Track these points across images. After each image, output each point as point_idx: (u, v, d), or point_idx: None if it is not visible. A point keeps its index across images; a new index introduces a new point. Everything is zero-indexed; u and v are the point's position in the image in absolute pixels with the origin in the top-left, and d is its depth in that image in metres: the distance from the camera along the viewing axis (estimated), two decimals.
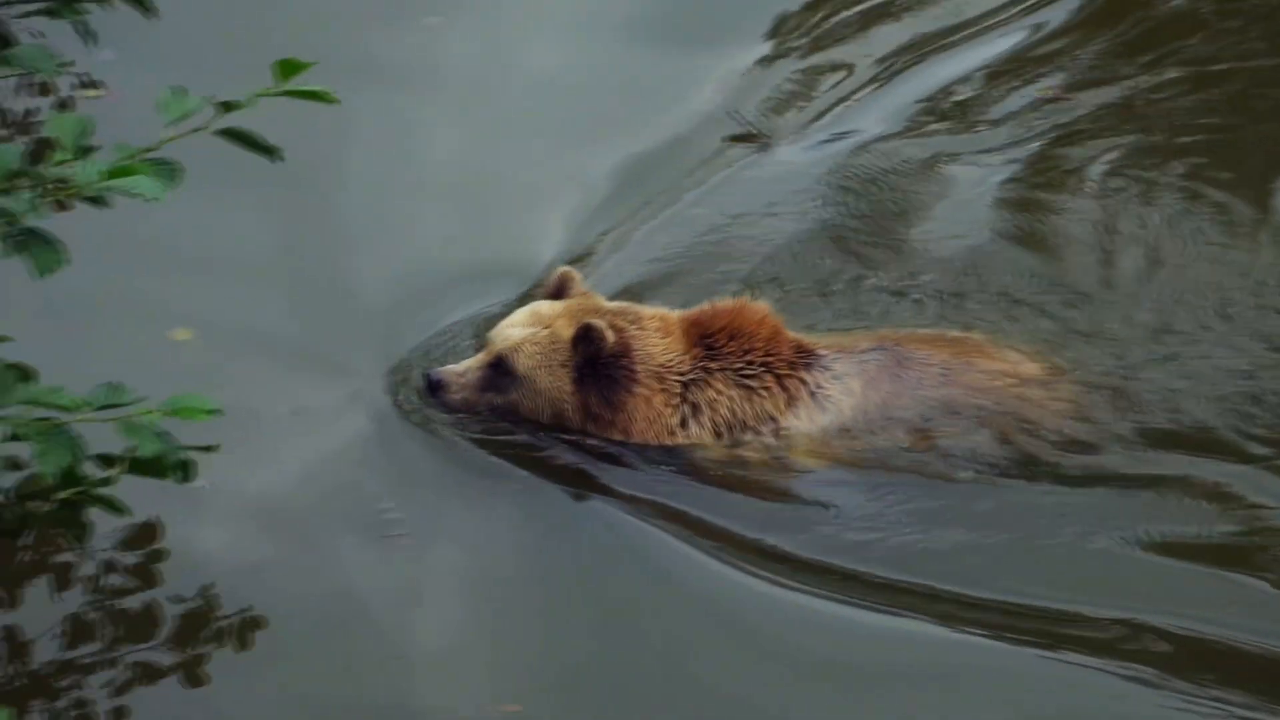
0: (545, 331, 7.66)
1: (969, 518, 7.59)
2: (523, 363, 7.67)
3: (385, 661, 7.00)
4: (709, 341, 7.72)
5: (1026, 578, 7.35)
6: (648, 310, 7.82)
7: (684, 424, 7.69)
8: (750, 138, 10.04)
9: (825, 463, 7.73)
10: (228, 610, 6.98)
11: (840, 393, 7.68)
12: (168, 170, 4.95)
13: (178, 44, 8.30)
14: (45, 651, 6.82)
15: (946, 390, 7.73)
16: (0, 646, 6.84)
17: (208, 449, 5.78)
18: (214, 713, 6.66)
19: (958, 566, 7.33)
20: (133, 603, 6.97)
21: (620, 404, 7.69)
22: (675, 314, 7.83)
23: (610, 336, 7.58)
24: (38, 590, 7.02)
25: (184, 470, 5.41)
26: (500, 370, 7.72)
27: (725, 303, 7.80)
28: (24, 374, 5.17)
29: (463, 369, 7.74)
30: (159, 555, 7.15)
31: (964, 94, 10.56)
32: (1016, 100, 10.40)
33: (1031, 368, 7.87)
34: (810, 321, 8.41)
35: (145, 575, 7.09)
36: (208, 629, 6.92)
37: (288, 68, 4.95)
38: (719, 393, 7.68)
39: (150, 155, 4.94)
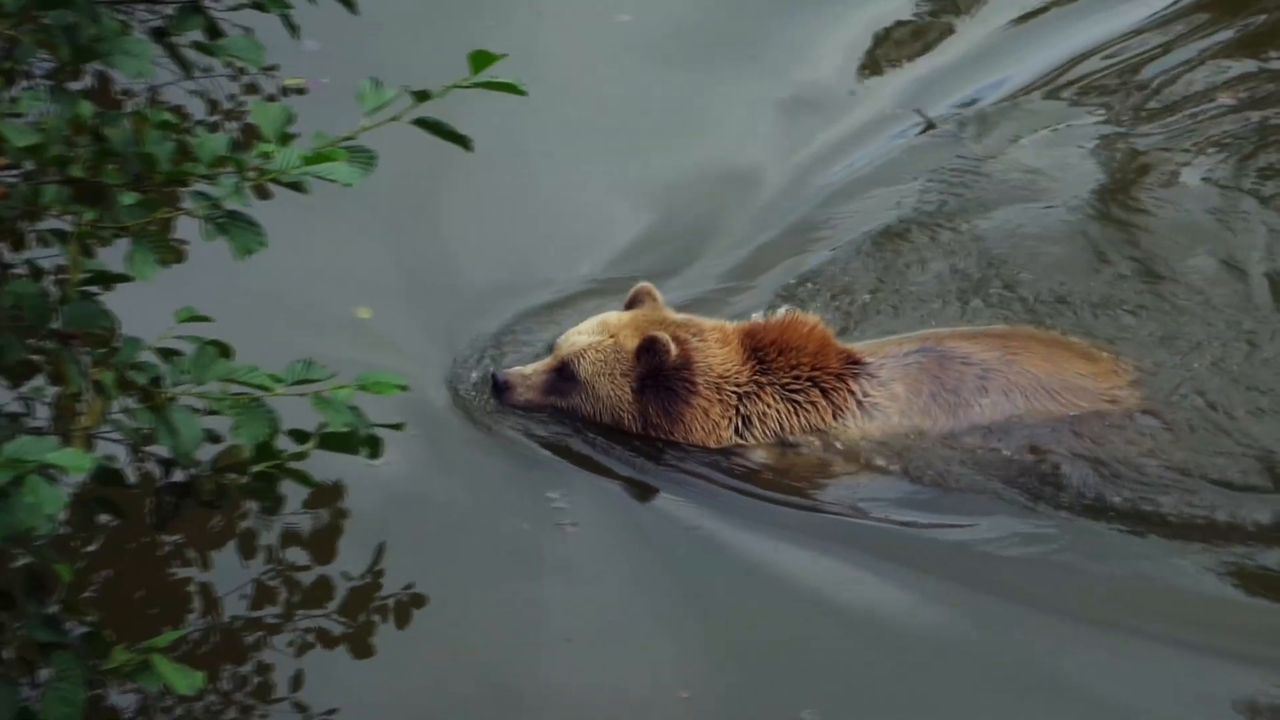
0: (610, 340, 7.84)
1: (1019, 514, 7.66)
2: (586, 369, 7.85)
3: (552, 644, 7.13)
4: (761, 354, 7.86)
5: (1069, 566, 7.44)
6: (709, 322, 7.96)
7: (737, 433, 7.82)
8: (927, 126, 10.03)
9: (877, 466, 7.80)
10: (394, 585, 7.15)
11: (886, 399, 7.78)
12: (364, 157, 5.08)
13: (377, 36, 8.50)
14: (233, 613, 7.05)
15: (987, 388, 7.79)
16: (196, 606, 7.12)
17: (395, 426, 5.94)
18: (381, 683, 6.84)
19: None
20: (308, 572, 7.20)
21: (678, 414, 7.83)
22: (733, 326, 7.95)
23: (673, 349, 7.74)
24: (227, 555, 7.27)
25: (372, 446, 5.50)
26: (564, 375, 7.90)
27: (776, 318, 7.93)
28: (223, 351, 5.30)
29: (529, 371, 7.95)
30: (335, 527, 7.36)
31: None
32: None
33: (1082, 365, 7.86)
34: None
35: (321, 546, 7.29)
36: (375, 601, 7.10)
37: (480, 59, 5.03)
38: (769, 406, 7.82)
39: (347, 143, 5.07)
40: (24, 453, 4.57)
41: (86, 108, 5.07)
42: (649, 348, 7.79)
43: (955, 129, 10.17)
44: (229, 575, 7.20)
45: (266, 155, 5.04)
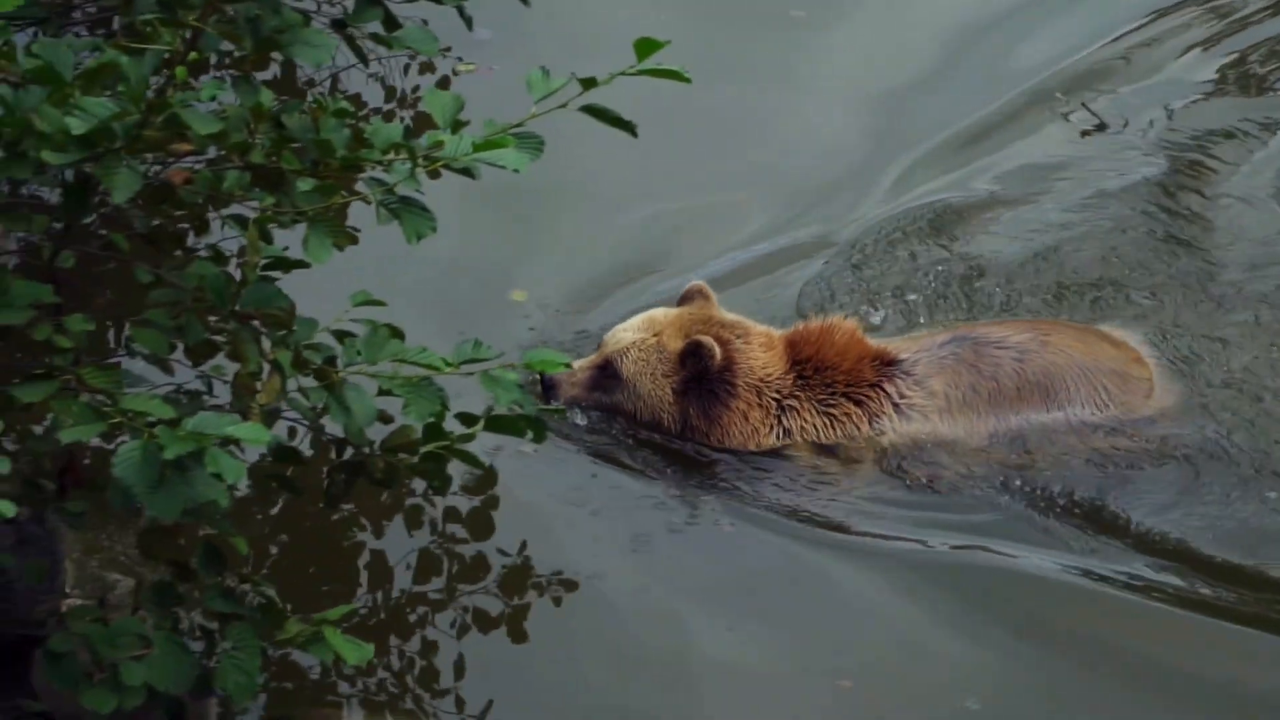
0: (653, 339, 7.81)
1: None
2: (628, 367, 7.81)
3: (709, 630, 7.20)
4: (801, 368, 7.81)
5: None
6: (757, 327, 7.90)
7: (778, 439, 7.79)
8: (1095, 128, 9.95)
9: (924, 465, 7.78)
10: (546, 569, 7.27)
11: (923, 398, 7.73)
12: (533, 143, 5.19)
13: (548, 25, 8.64)
14: (398, 588, 7.22)
15: (1024, 370, 7.74)
16: (364, 581, 7.31)
17: (557, 411, 6.07)
18: (534, 663, 6.95)
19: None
20: (468, 549, 7.33)
21: (717, 417, 7.80)
22: (779, 332, 7.91)
23: (718, 354, 7.70)
24: (396, 531, 7.44)
25: (537, 429, 5.64)
26: (607, 372, 7.86)
27: (814, 324, 7.87)
28: (394, 333, 5.45)
29: (575, 368, 7.84)
30: (495, 508, 7.51)
31: None
32: None
33: (1110, 349, 7.83)
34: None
35: (479, 524, 7.43)
36: (530, 582, 7.23)
37: (645, 46, 5.11)
38: (807, 420, 7.78)
39: (515, 130, 5.18)
40: (205, 427, 4.73)
41: (267, 96, 5.23)
42: (694, 351, 7.75)
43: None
44: (397, 551, 7.36)
45: (438, 142, 5.16)
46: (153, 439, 4.77)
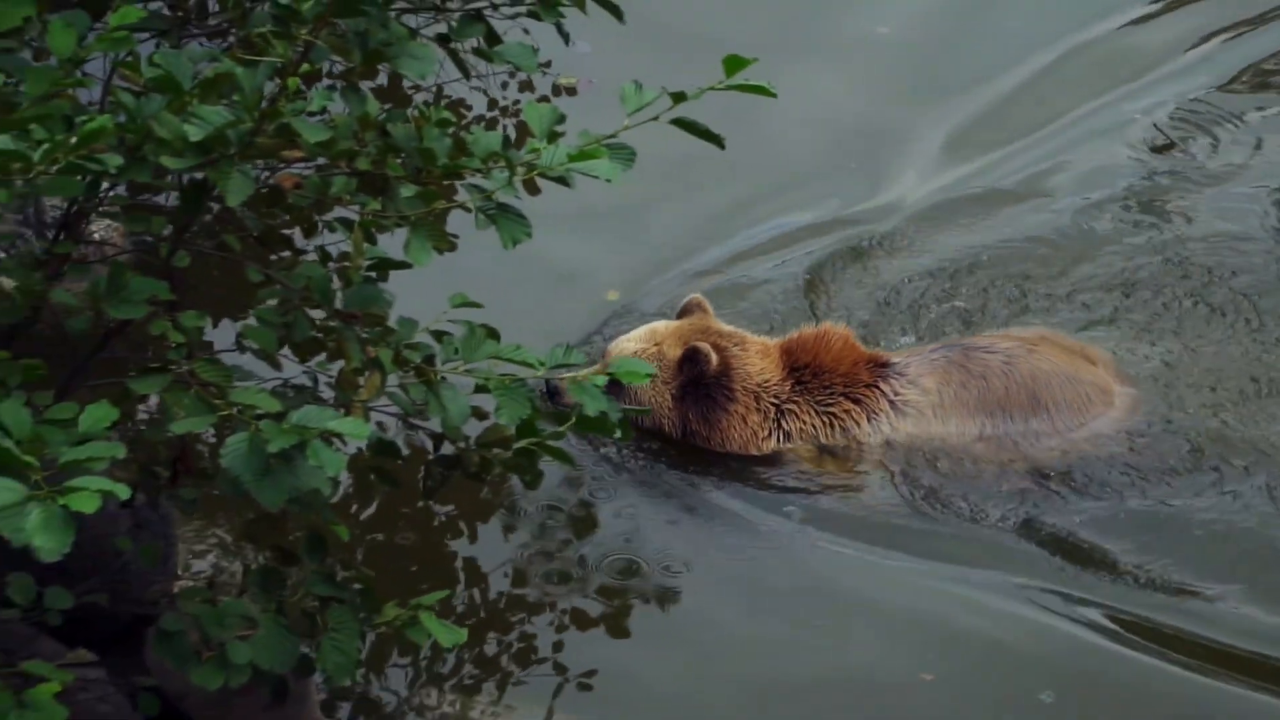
0: (654, 349, 7.97)
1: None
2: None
3: (797, 631, 7.36)
4: (799, 374, 7.97)
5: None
6: (752, 336, 8.08)
7: (778, 442, 7.95)
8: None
9: (920, 458, 7.91)
10: (650, 572, 7.43)
11: (917, 395, 7.89)
12: (625, 154, 5.32)
13: (646, 36, 8.76)
14: (493, 577, 7.39)
15: (1012, 373, 7.92)
16: (459, 569, 7.45)
17: (643, 412, 6.22)
18: (632, 668, 7.10)
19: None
20: (569, 550, 7.49)
21: (716, 421, 7.94)
22: (774, 341, 8.09)
23: (714, 359, 7.86)
24: (492, 525, 7.61)
25: (625, 429, 5.76)
26: (610, 381, 7.93)
27: (809, 330, 8.07)
28: (491, 333, 5.58)
29: (580, 377, 7.94)
30: (587, 509, 7.69)
31: None
32: None
33: (1086, 364, 7.98)
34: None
35: (579, 524, 7.60)
36: (630, 586, 7.37)
37: (734, 63, 5.21)
38: (805, 422, 7.95)
39: (608, 141, 5.30)
40: (308, 420, 4.85)
41: (374, 105, 5.36)
42: (691, 357, 7.95)
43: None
44: (489, 543, 7.53)
45: (535, 152, 5.28)
46: (258, 432, 4.87)
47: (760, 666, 7.22)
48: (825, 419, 8.05)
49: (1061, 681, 7.07)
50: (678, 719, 7.07)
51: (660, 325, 8.25)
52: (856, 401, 8.02)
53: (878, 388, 8.04)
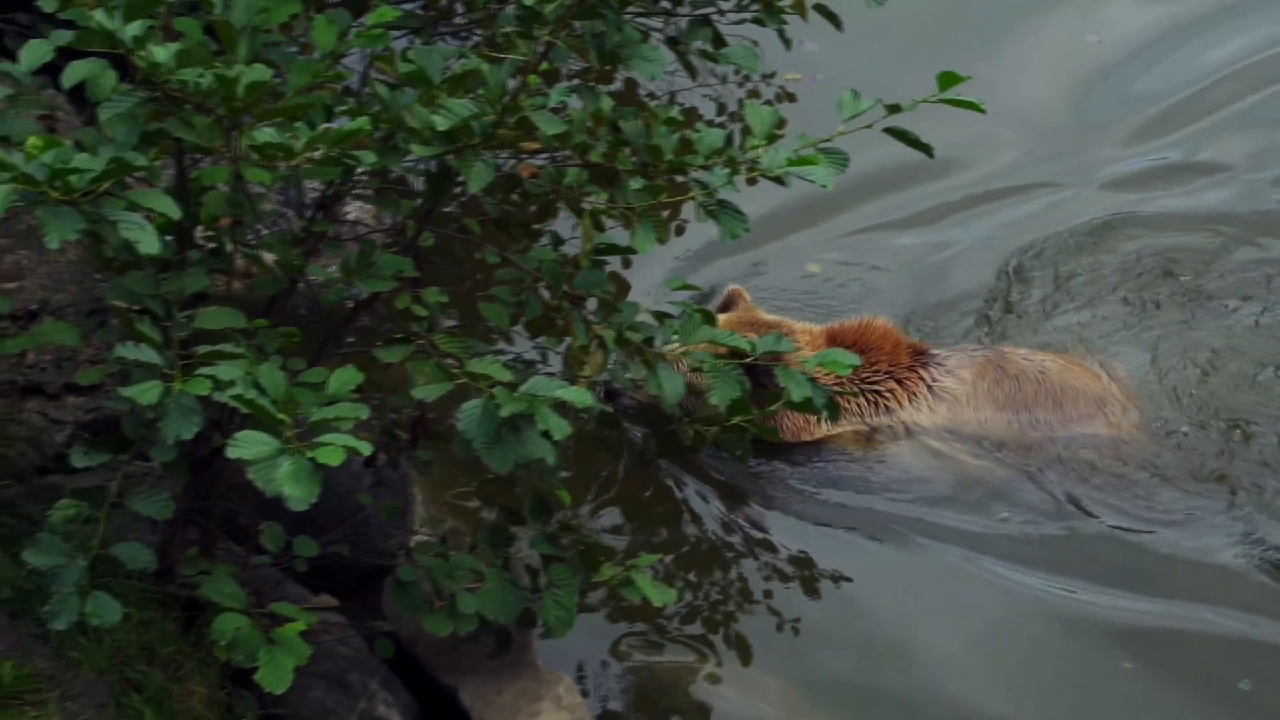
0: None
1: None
2: (683, 370, 7.98)
3: (992, 623, 7.52)
4: None
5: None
6: (798, 325, 8.12)
7: (828, 427, 8.00)
8: None
9: (953, 443, 8.02)
10: (820, 570, 7.64)
11: (954, 383, 8.08)
12: (839, 159, 5.49)
13: (867, 41, 8.92)
14: (703, 543, 7.69)
15: (1044, 382, 8.08)
16: (669, 534, 7.75)
17: (844, 392, 6.38)
18: (805, 657, 7.28)
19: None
20: (739, 539, 7.75)
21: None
22: (819, 328, 8.16)
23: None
24: (700, 494, 7.90)
25: (832, 410, 5.97)
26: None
27: (851, 321, 8.20)
28: (707, 317, 5.86)
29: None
30: (768, 504, 7.93)
31: None
32: None
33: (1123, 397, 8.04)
34: None
35: (755, 516, 7.87)
36: (804, 583, 7.60)
37: (947, 79, 5.37)
38: (850, 401, 8.05)
39: (824, 146, 5.49)
40: (538, 389, 5.15)
41: (607, 103, 5.63)
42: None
43: None
44: (699, 511, 7.81)
45: (756, 149, 5.48)
46: (492, 399, 5.15)
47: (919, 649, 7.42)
48: (869, 398, 8.24)
49: (1259, 670, 7.14)
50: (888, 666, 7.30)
51: None
52: (899, 382, 8.24)
53: (918, 372, 8.26)
